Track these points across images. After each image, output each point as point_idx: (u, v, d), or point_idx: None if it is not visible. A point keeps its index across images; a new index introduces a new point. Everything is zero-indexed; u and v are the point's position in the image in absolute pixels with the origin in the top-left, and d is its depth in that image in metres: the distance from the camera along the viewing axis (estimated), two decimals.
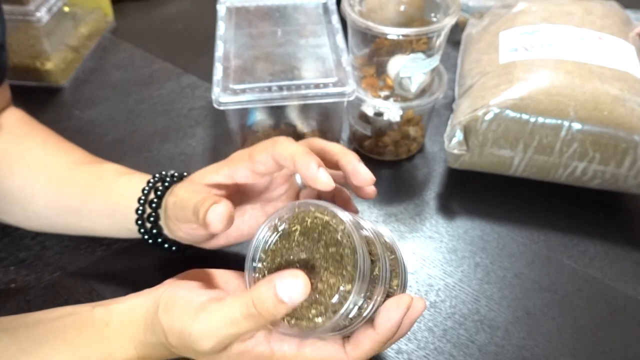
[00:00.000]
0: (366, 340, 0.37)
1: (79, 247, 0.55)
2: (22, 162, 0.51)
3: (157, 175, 0.49)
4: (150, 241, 0.50)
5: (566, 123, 0.55)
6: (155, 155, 0.66)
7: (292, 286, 0.33)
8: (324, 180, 0.38)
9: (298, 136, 0.61)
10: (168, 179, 0.49)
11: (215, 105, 0.55)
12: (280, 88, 0.55)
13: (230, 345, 0.36)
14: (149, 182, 0.49)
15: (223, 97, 0.55)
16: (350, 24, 0.58)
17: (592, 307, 0.51)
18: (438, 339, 0.48)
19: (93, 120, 0.71)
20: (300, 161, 0.39)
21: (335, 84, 0.56)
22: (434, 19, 0.60)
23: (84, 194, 0.50)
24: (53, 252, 0.55)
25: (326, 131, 0.62)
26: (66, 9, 0.78)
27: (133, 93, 0.75)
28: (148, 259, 0.54)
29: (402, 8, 0.62)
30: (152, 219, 0.48)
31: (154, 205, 0.48)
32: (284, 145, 0.40)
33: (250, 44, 0.62)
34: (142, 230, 0.49)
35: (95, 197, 0.50)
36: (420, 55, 0.57)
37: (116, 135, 0.69)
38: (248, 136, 0.61)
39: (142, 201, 0.48)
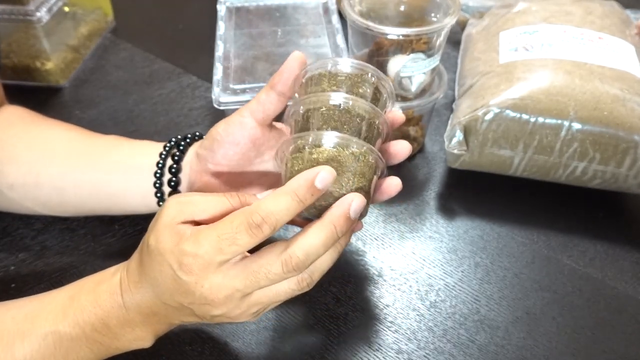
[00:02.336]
0: (318, 223, 0.37)
1: (79, 247, 0.55)
2: (29, 147, 0.51)
3: (172, 140, 0.51)
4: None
5: (566, 123, 0.55)
6: None
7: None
8: None
9: None
10: (182, 142, 0.50)
11: (215, 105, 0.55)
12: None
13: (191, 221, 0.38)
14: (165, 146, 0.50)
15: (223, 97, 0.55)
16: (350, 24, 0.58)
17: (592, 307, 0.51)
18: (438, 339, 0.48)
19: (93, 120, 0.71)
20: None
21: None
22: (434, 19, 0.60)
23: (97, 166, 0.51)
24: (53, 252, 0.55)
25: None
26: (66, 9, 0.78)
27: (133, 93, 0.75)
28: None
29: (402, 8, 0.62)
30: (172, 184, 0.49)
31: (173, 170, 0.49)
32: None
33: (250, 44, 0.62)
34: (158, 195, 0.50)
35: (110, 171, 0.50)
36: (421, 55, 0.57)
37: (116, 135, 0.68)
38: None
39: (160, 165, 0.49)
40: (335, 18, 0.64)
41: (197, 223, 0.38)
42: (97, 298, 0.39)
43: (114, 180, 0.51)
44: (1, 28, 0.71)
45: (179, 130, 0.69)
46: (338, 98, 0.40)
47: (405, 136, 0.64)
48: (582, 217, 0.59)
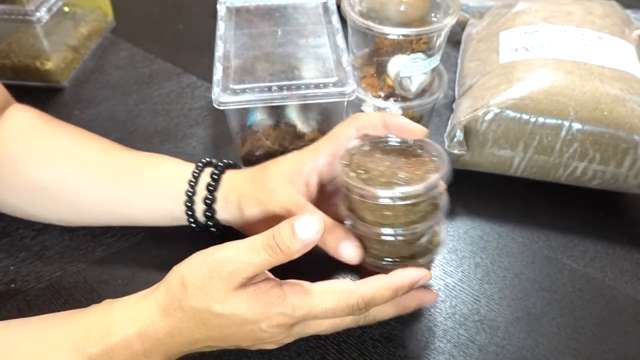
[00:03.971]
0: (377, 279, 0.40)
1: (79, 247, 0.55)
2: (50, 155, 0.51)
3: (203, 160, 0.52)
4: (194, 225, 0.51)
5: (566, 123, 0.55)
6: None
7: (308, 223, 0.37)
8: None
9: (298, 136, 0.61)
10: (220, 164, 0.51)
11: (215, 105, 0.55)
12: (280, 88, 0.55)
13: (247, 281, 0.38)
14: (197, 165, 0.51)
15: (223, 97, 0.55)
16: (350, 24, 0.58)
17: (592, 307, 0.51)
18: (438, 339, 0.48)
19: (93, 120, 0.71)
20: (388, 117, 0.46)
21: (335, 84, 0.56)
22: (434, 19, 0.60)
23: (122, 180, 0.51)
24: (53, 252, 0.55)
25: (326, 131, 0.61)
26: (66, 9, 0.78)
27: (133, 93, 0.75)
28: (148, 259, 0.54)
29: (402, 8, 0.62)
30: (207, 201, 0.49)
31: (211, 188, 0.49)
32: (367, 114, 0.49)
33: (250, 44, 0.62)
34: (189, 213, 0.50)
35: (134, 182, 0.50)
36: (421, 55, 0.57)
37: (116, 135, 0.68)
38: (248, 136, 0.61)
39: (192, 184, 0.50)
40: (335, 18, 0.64)
41: (251, 278, 0.38)
42: (108, 351, 0.38)
43: (136, 212, 0.52)
44: (1, 28, 0.71)
45: (178, 130, 0.69)
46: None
47: None
48: (582, 217, 0.59)
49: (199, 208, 0.50)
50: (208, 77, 0.70)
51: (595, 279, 0.53)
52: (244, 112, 0.59)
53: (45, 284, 0.52)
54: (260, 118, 0.60)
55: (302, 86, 0.55)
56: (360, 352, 0.47)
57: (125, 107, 0.73)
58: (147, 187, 0.51)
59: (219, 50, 0.60)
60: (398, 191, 0.41)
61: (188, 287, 0.38)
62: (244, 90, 0.55)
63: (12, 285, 0.52)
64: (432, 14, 0.60)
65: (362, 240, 0.44)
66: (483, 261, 0.55)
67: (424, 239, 0.44)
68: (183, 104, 0.73)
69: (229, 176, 0.51)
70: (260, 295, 0.38)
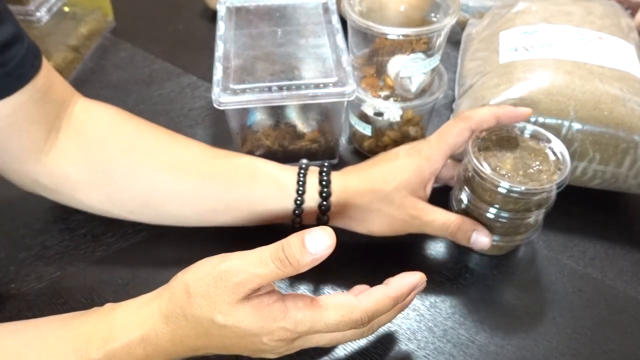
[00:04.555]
0: (378, 292, 0.41)
1: (79, 247, 0.55)
2: (146, 161, 0.51)
3: (303, 165, 0.52)
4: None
5: (566, 123, 0.55)
6: None
7: (319, 238, 0.36)
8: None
9: (298, 136, 0.61)
10: (325, 168, 0.52)
11: (215, 105, 0.55)
12: (280, 88, 0.55)
13: (252, 293, 0.37)
14: (299, 173, 0.52)
15: (223, 97, 0.55)
16: (350, 24, 0.58)
17: (592, 307, 0.51)
18: (438, 339, 0.48)
19: None
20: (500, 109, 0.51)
21: (335, 84, 0.56)
22: (434, 19, 0.60)
23: (222, 191, 0.51)
24: (53, 252, 0.55)
25: (326, 131, 0.62)
26: (66, 9, 0.78)
27: (133, 93, 0.75)
28: (148, 259, 0.54)
29: (402, 8, 0.62)
30: (323, 208, 0.51)
31: (324, 194, 0.51)
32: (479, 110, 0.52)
33: (250, 44, 0.62)
34: (297, 220, 0.51)
35: (233, 192, 0.51)
36: (420, 55, 0.57)
37: None
38: (248, 136, 0.61)
39: (300, 192, 0.51)
40: (335, 18, 0.64)
41: (256, 290, 0.38)
42: (110, 356, 0.38)
43: (237, 220, 0.52)
44: None
45: (178, 130, 0.69)
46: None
47: (405, 136, 0.64)
48: (582, 217, 0.59)
49: (310, 212, 0.51)
50: (208, 77, 0.70)
51: (595, 279, 0.53)
52: (244, 112, 0.59)
53: (45, 284, 0.52)
54: (260, 118, 0.60)
55: (302, 86, 0.55)
56: (361, 352, 0.47)
57: (125, 107, 0.72)
58: (247, 199, 0.51)
59: (219, 50, 0.60)
60: (528, 187, 0.47)
61: (192, 296, 0.37)
62: (244, 90, 0.55)
63: (12, 285, 0.52)
64: (432, 14, 0.60)
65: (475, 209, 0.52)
66: (483, 261, 0.55)
67: (531, 219, 0.52)
68: (183, 104, 0.73)
69: (338, 183, 0.52)
70: (263, 308, 0.38)
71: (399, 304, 0.42)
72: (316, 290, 0.52)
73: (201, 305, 0.37)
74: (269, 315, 0.38)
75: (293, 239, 0.37)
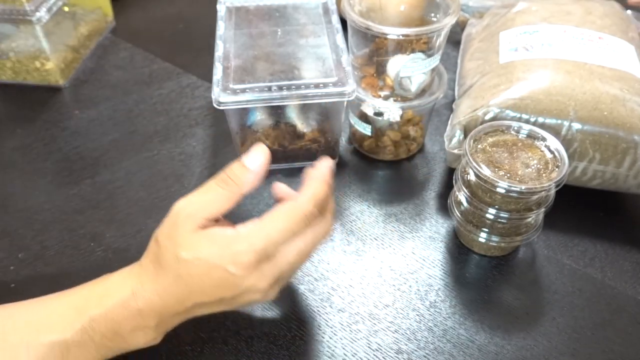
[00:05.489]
0: (310, 182, 0.41)
1: (79, 247, 0.55)
2: None
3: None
4: None
5: (566, 123, 0.55)
6: (155, 155, 0.66)
7: (255, 155, 0.41)
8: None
9: (298, 136, 0.61)
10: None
11: (215, 105, 0.55)
12: (280, 88, 0.55)
13: (207, 222, 0.40)
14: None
15: (223, 97, 0.54)
16: (350, 24, 0.58)
17: (592, 307, 0.51)
18: (438, 339, 0.48)
19: (93, 120, 0.71)
20: None
21: (335, 84, 0.56)
22: (434, 19, 0.60)
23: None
24: (53, 252, 0.55)
25: (326, 131, 0.62)
26: (66, 8, 0.78)
27: (133, 93, 0.75)
28: None
29: (402, 8, 0.62)
30: None
31: None
32: None
33: (250, 44, 0.62)
34: None
35: None
36: (420, 55, 0.57)
37: (116, 135, 0.69)
38: (248, 136, 0.61)
39: None
40: (335, 18, 0.64)
41: (216, 220, 0.41)
42: (107, 312, 0.39)
43: None
44: (1, 28, 0.71)
45: (178, 130, 0.69)
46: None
47: (405, 136, 0.64)
48: (582, 217, 0.59)
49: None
50: (208, 77, 0.70)
51: (595, 279, 0.53)
52: (244, 112, 0.59)
53: (45, 284, 0.52)
54: (260, 118, 0.60)
55: (302, 86, 0.55)
56: (361, 352, 0.47)
57: (125, 107, 0.73)
58: None
59: (219, 50, 0.60)
60: (528, 186, 0.47)
61: (159, 242, 0.40)
62: (244, 90, 0.55)
63: (12, 285, 0.52)
64: (432, 14, 0.60)
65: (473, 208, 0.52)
66: (482, 261, 0.55)
67: (531, 219, 0.52)
68: (183, 104, 0.73)
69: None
70: (216, 237, 0.39)
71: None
72: (315, 289, 0.52)
73: (167, 247, 0.40)
74: (223, 241, 0.39)
75: (233, 163, 0.41)
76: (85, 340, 0.39)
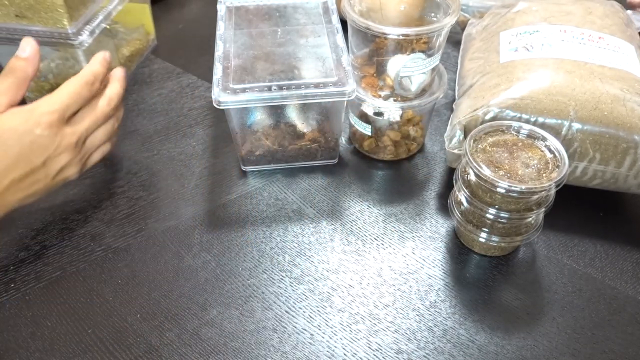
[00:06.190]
0: (82, 71, 0.52)
1: (79, 247, 0.55)
2: None
3: None
4: None
5: (566, 123, 0.55)
6: (155, 155, 0.66)
7: (25, 44, 0.51)
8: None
9: (298, 136, 0.61)
10: None
11: (215, 105, 0.55)
12: (280, 88, 0.55)
13: (6, 109, 0.48)
14: None
15: (223, 96, 0.54)
16: (350, 24, 0.58)
17: (592, 307, 0.51)
18: (438, 339, 0.48)
19: None
20: None
21: (335, 84, 0.56)
22: (434, 19, 0.60)
23: None
24: (53, 252, 0.55)
25: (326, 131, 0.62)
26: (107, 26, 0.70)
27: (133, 93, 0.75)
28: (147, 259, 0.54)
29: (402, 8, 0.62)
30: None
31: None
32: None
33: (250, 44, 0.62)
34: None
35: None
36: (420, 55, 0.57)
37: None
38: (248, 136, 0.61)
39: None
40: (335, 18, 0.64)
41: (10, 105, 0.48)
42: None
43: None
44: (41, 50, 0.63)
45: (178, 130, 0.69)
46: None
47: (405, 136, 0.64)
48: (582, 217, 0.59)
49: None
50: (208, 77, 0.70)
51: (595, 279, 0.53)
52: (244, 112, 0.59)
53: (45, 284, 0.52)
54: (260, 118, 0.60)
55: (302, 86, 0.55)
56: (361, 351, 0.47)
57: (125, 107, 0.73)
58: None
59: (219, 50, 0.60)
60: (528, 186, 0.47)
61: None
62: (243, 90, 0.55)
63: (12, 285, 0.52)
64: (432, 14, 0.60)
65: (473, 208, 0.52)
66: (483, 261, 0.55)
67: (531, 219, 0.52)
68: (183, 104, 0.73)
69: None
70: (18, 110, 0.47)
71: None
72: (315, 289, 0.52)
73: None
74: (25, 110, 0.47)
75: (11, 59, 0.50)
76: None
